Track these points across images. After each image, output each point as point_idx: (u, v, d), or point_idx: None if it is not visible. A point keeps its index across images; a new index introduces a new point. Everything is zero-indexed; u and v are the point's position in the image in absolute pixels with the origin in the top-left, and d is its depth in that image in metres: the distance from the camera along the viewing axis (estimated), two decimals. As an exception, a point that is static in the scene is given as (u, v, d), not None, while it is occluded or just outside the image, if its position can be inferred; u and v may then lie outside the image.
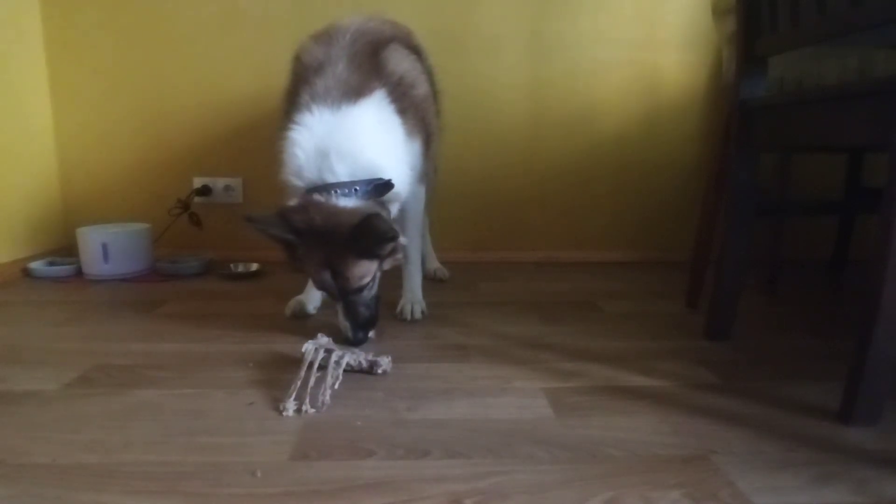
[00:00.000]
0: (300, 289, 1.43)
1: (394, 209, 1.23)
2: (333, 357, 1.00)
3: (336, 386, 0.96)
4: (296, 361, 1.02)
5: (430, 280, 1.75)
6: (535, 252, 2.08)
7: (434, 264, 1.83)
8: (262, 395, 0.95)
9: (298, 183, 1.13)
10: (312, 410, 0.89)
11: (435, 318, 1.39)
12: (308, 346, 1.02)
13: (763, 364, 1.12)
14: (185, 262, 1.83)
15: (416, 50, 1.40)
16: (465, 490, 0.70)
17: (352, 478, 0.72)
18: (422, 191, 1.43)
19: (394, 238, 1.09)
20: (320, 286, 1.17)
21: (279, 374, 1.04)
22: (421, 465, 0.75)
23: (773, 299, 1.61)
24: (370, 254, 1.11)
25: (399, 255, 1.21)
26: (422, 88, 1.32)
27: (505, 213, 2.08)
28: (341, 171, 1.11)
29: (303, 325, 1.33)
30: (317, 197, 1.10)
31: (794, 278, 1.81)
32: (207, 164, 2.00)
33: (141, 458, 0.76)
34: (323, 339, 1.05)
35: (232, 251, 1.97)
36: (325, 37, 1.24)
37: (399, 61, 1.26)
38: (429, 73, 1.43)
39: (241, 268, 1.81)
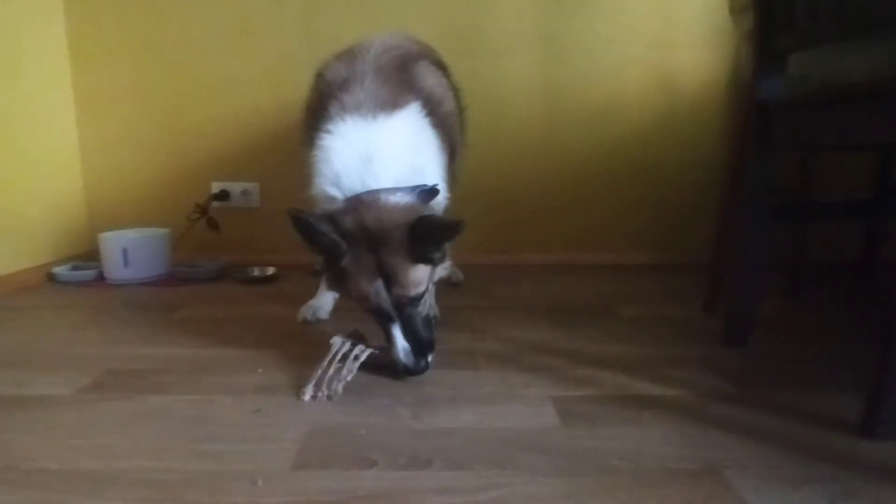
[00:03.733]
0: (313, 293, 1.43)
1: None
2: (355, 350, 1.03)
3: (349, 378, 0.99)
4: (307, 364, 1.03)
5: (444, 284, 1.74)
6: (550, 255, 2.05)
7: (450, 268, 1.81)
8: (269, 402, 0.95)
9: (336, 193, 1.04)
10: (326, 397, 0.95)
11: (447, 322, 1.38)
12: (336, 339, 1.05)
13: (782, 373, 1.07)
14: (202, 266, 1.85)
15: (441, 66, 1.39)
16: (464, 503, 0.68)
17: (351, 489, 0.71)
18: (449, 198, 1.42)
19: (460, 230, 0.98)
20: (370, 302, 1.01)
21: (288, 379, 1.04)
22: (422, 477, 0.74)
23: (797, 304, 1.55)
24: (427, 257, 1.00)
25: (448, 263, 1.11)
26: (448, 105, 1.29)
27: (520, 216, 2.05)
28: (385, 178, 1.02)
29: (314, 329, 1.33)
30: (365, 197, 1.01)
31: (820, 282, 1.74)
32: (225, 168, 2.03)
33: (144, 465, 0.76)
34: (341, 341, 1.06)
35: (249, 255, 1.98)
36: (349, 55, 1.20)
37: (428, 78, 1.24)
38: (454, 90, 1.41)
39: (257, 272, 1.82)
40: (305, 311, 1.39)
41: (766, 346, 1.20)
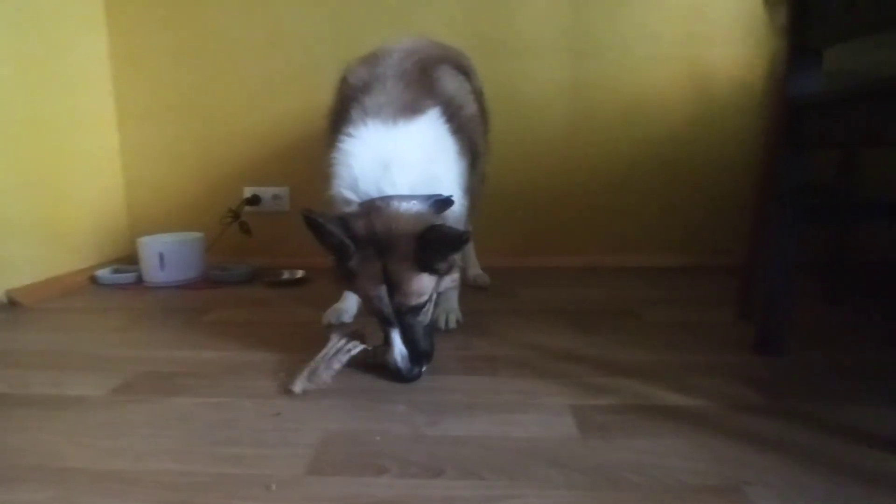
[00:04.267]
0: (339, 296, 1.45)
1: None
2: (348, 346, 1.05)
3: (337, 368, 1.03)
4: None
5: (469, 287, 1.73)
6: (577, 257, 2.02)
7: (475, 271, 1.81)
8: (289, 405, 0.97)
9: (352, 196, 1.07)
10: (312, 386, 0.99)
11: (469, 327, 1.37)
12: (334, 336, 1.08)
13: (817, 383, 1.02)
14: (234, 269, 1.91)
15: (464, 70, 1.38)
16: (473, 514, 0.68)
17: (362, 495, 0.72)
18: (465, 205, 1.42)
19: (466, 242, 1.02)
20: (373, 305, 1.03)
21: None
22: (432, 485, 0.74)
23: (837, 310, 1.48)
24: (432, 267, 1.02)
25: (456, 275, 1.12)
26: (470, 109, 1.29)
27: (547, 218, 2.03)
28: (402, 184, 1.04)
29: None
30: (379, 203, 1.03)
31: (864, 285, 1.65)
32: (257, 174, 2.08)
33: (165, 467, 0.79)
34: (338, 338, 1.08)
35: (279, 258, 2.03)
36: (372, 58, 1.22)
37: (449, 82, 1.24)
38: (477, 94, 1.40)
39: (286, 275, 1.86)
40: (330, 315, 1.41)
41: (802, 354, 1.14)
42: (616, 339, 1.27)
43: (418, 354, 1.04)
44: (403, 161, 1.05)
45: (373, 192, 1.05)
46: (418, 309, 1.03)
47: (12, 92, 1.65)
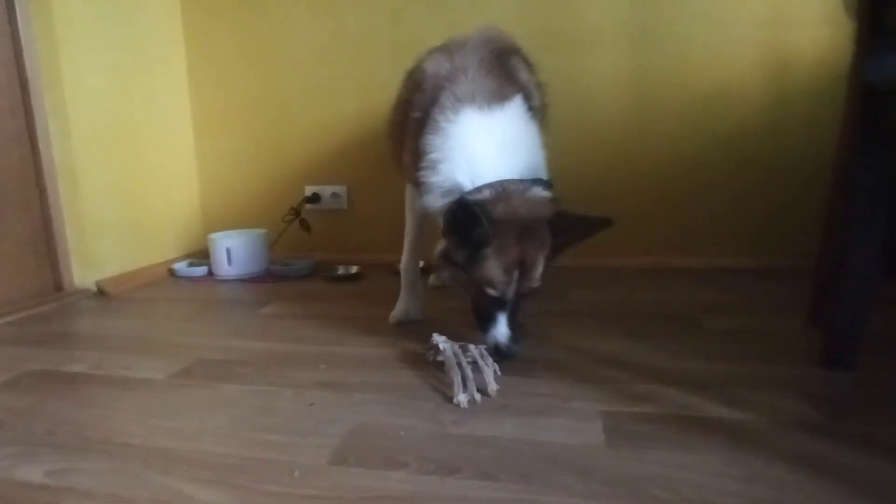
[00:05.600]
0: (391, 292, 1.47)
1: None
2: (476, 352, 1.06)
3: (498, 372, 1.04)
4: (367, 363, 1.12)
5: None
6: (637, 258, 1.94)
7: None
8: (324, 397, 1.02)
9: (465, 180, 1.05)
10: (481, 397, 0.97)
11: (512, 327, 1.37)
12: (445, 346, 1.07)
13: (885, 403, 0.93)
14: (295, 264, 2.01)
15: (529, 63, 1.37)
16: (482, 515, 0.68)
17: (377, 488, 0.74)
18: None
19: (607, 227, 1.05)
20: (498, 290, 1.04)
21: (346, 377, 1.10)
22: (446, 484, 0.75)
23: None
24: (556, 251, 1.05)
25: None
26: (537, 100, 1.29)
27: (605, 215, 1.95)
28: (517, 169, 1.04)
29: (382, 329, 1.38)
30: (513, 187, 1.02)
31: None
32: (317, 173, 2.18)
33: (207, 449, 0.86)
34: (440, 338, 1.10)
35: (337, 254, 2.12)
36: (445, 49, 1.22)
37: (523, 71, 1.25)
38: (539, 87, 1.40)
39: (341, 270, 1.94)
40: (399, 314, 1.41)
41: (874, 370, 1.04)
42: (666, 346, 1.22)
43: (521, 334, 1.08)
44: (513, 145, 1.07)
45: (489, 177, 1.04)
46: (536, 292, 1.07)
47: (105, 103, 1.84)
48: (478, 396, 0.97)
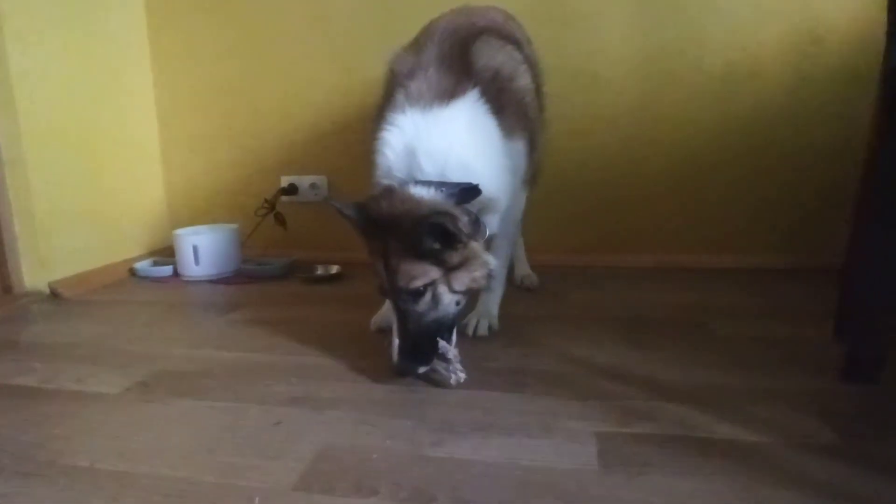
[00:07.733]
0: (373, 295, 1.46)
1: (493, 222, 1.24)
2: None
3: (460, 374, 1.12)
4: (340, 376, 1.14)
5: (516, 288, 1.72)
6: (644, 256, 1.94)
7: (523, 270, 1.79)
8: (292, 414, 1.02)
9: (387, 183, 1.17)
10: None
11: (505, 334, 1.37)
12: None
13: (911, 421, 0.93)
14: (269, 263, 2.01)
15: (512, 39, 1.38)
16: (456, 549, 0.68)
17: (343, 518, 0.75)
18: (524, 197, 1.43)
19: (458, 243, 1.07)
20: (377, 279, 1.15)
21: (318, 391, 1.11)
22: (420, 513, 0.75)
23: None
24: (428, 254, 1.07)
25: (478, 274, 1.13)
26: (522, 80, 1.31)
27: (610, 211, 1.96)
28: (430, 171, 1.14)
29: (361, 336, 1.38)
30: (394, 187, 1.14)
31: None
32: (295, 163, 2.18)
33: (161, 472, 0.86)
34: None
35: (317, 251, 2.12)
36: (415, 44, 1.31)
37: (492, 55, 1.26)
38: (530, 63, 1.40)
39: (320, 270, 1.94)
40: (380, 320, 1.43)
41: (901, 384, 1.04)
42: (674, 356, 1.22)
43: (412, 348, 1.10)
44: (430, 148, 1.14)
45: (405, 179, 1.14)
46: (411, 294, 1.09)
47: (59, 88, 1.84)
48: (462, 376, 1.09)
